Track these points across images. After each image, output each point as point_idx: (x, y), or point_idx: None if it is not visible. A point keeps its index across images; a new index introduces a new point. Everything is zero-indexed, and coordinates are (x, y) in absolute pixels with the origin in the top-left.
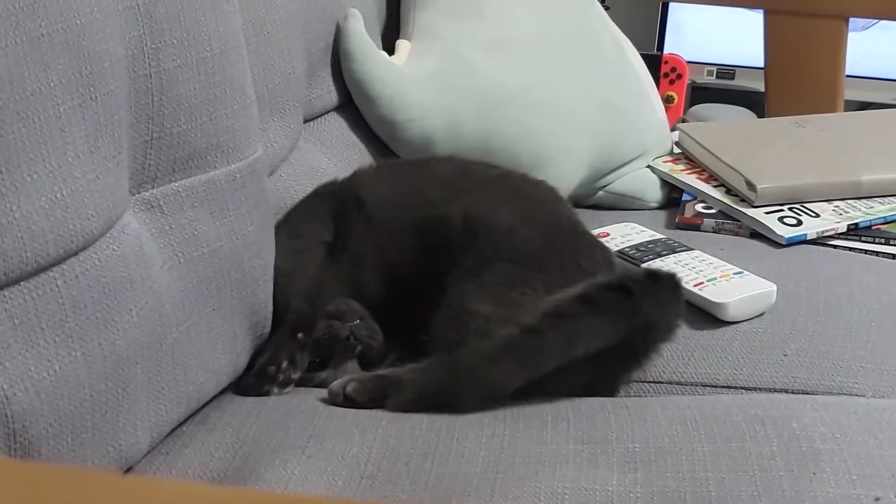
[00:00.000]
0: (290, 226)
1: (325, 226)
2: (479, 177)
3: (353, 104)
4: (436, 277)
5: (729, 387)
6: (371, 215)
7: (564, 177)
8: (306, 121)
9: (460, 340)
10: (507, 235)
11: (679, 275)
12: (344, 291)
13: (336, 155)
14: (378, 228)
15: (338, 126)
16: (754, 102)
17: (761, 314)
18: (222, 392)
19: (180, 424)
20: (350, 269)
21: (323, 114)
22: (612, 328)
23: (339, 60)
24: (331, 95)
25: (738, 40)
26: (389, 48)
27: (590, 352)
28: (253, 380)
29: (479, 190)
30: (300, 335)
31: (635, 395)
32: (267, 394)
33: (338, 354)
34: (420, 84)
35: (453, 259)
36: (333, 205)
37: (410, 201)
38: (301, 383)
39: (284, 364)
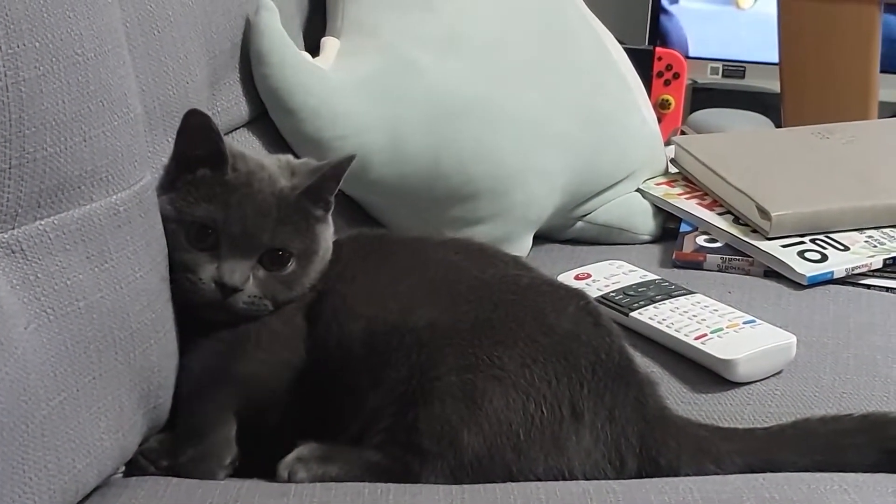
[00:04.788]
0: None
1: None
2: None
3: (268, 118)
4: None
5: None
6: None
7: (533, 203)
8: None
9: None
10: (431, 332)
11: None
12: None
13: None
14: None
15: (250, 146)
16: (770, 107)
17: (778, 373)
18: (107, 481)
19: None
20: None
21: (231, 131)
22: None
23: (250, 64)
24: (240, 108)
25: (749, 30)
26: (313, 48)
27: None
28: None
29: (384, 297)
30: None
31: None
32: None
33: None
34: (352, 92)
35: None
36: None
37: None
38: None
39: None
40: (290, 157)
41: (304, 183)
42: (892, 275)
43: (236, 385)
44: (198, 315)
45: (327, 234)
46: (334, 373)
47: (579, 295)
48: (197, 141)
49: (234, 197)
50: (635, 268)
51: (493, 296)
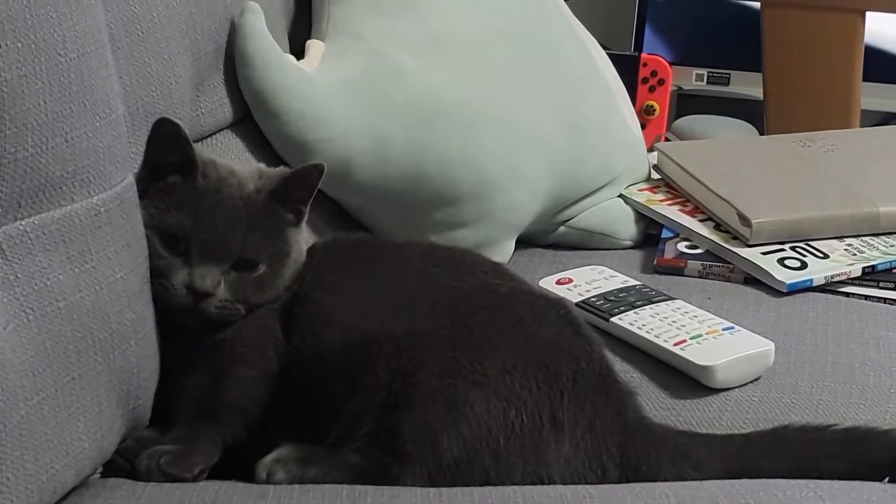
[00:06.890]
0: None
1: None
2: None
3: (252, 120)
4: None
5: None
6: None
7: (516, 208)
8: (193, 141)
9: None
10: (410, 340)
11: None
12: None
13: None
14: None
15: (233, 147)
16: (755, 114)
17: (756, 379)
18: (85, 482)
19: None
20: None
21: (214, 132)
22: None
23: (234, 66)
24: (224, 109)
25: (735, 37)
26: (298, 51)
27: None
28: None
29: (365, 306)
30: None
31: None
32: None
33: None
34: (336, 95)
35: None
36: None
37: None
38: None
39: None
40: (262, 165)
41: (269, 186)
42: (871, 283)
43: (230, 414)
44: (173, 322)
45: (299, 237)
46: (311, 379)
47: (560, 304)
48: (167, 149)
49: (204, 203)
50: (616, 273)
51: (473, 304)
